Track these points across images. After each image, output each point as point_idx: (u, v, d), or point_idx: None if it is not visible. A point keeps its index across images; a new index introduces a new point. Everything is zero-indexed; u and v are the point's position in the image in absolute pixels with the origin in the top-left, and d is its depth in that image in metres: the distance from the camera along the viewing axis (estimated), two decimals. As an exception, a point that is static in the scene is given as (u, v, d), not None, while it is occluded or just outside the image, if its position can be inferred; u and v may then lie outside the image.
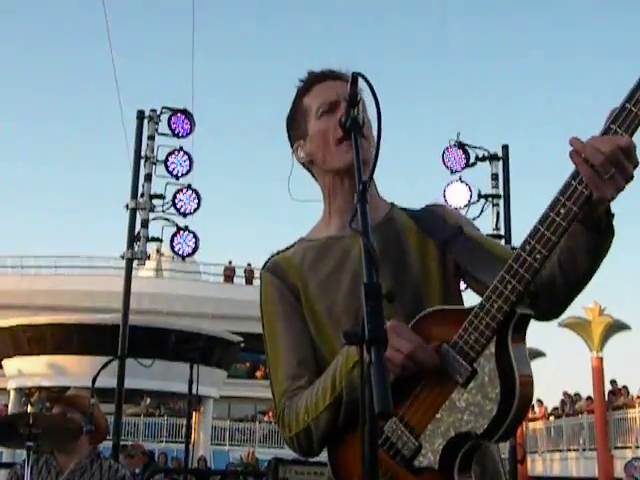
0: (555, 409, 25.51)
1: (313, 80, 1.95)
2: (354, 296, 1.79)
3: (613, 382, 22.81)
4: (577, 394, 24.59)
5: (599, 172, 1.46)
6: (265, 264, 1.96)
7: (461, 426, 1.58)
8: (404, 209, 1.98)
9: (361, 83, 1.58)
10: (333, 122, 1.82)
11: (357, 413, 1.61)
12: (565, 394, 25.17)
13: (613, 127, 1.48)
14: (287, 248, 1.98)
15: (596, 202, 1.51)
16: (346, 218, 1.86)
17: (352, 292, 1.81)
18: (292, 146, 2.00)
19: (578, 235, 1.57)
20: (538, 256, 1.52)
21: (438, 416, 1.62)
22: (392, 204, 1.99)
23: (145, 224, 7.81)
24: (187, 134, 8.05)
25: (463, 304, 1.86)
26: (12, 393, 23.97)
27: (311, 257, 1.91)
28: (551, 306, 1.73)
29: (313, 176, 2.00)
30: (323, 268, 1.89)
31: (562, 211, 1.50)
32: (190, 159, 7.98)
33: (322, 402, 1.70)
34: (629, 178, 1.49)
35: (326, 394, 1.69)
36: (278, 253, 1.98)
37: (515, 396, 1.52)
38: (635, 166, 1.49)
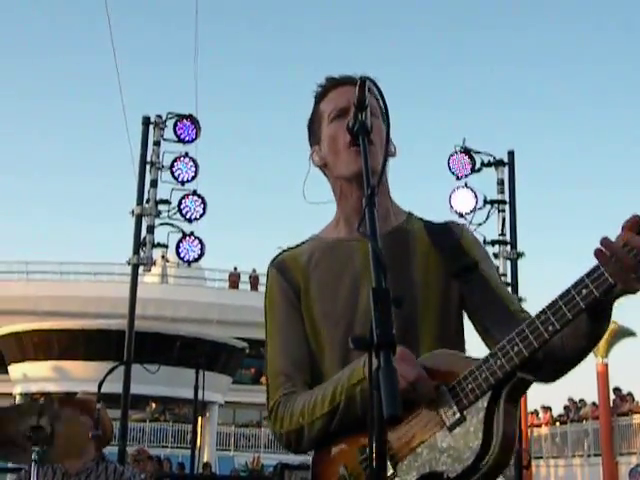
0: (560, 415, 25.43)
1: (329, 86, 1.98)
2: (349, 303, 1.85)
3: (616, 390, 22.72)
4: (582, 400, 24.51)
5: (628, 271, 1.49)
6: (273, 259, 1.99)
7: (437, 465, 1.62)
8: (421, 220, 1.99)
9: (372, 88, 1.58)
10: (342, 127, 1.83)
11: (350, 424, 1.69)
12: (570, 400, 25.09)
13: None
14: (298, 245, 2.01)
15: (619, 292, 1.54)
16: (354, 223, 1.89)
17: (348, 299, 1.85)
18: (310, 149, 2.04)
19: (582, 320, 1.60)
20: (550, 328, 1.56)
21: (419, 450, 1.66)
22: (409, 214, 2.00)
23: (151, 230, 7.83)
24: (193, 140, 8.07)
25: (462, 335, 1.90)
26: (18, 398, 23.99)
27: (317, 257, 1.94)
28: (547, 373, 1.77)
29: (328, 178, 2.02)
30: (325, 270, 1.91)
31: (584, 292, 1.52)
32: (196, 165, 7.99)
33: (320, 409, 1.74)
34: None
35: (325, 402, 1.73)
36: (288, 249, 2.00)
37: (492, 454, 1.58)
38: None
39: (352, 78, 1.92)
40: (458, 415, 1.62)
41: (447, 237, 1.92)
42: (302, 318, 1.90)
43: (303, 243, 2.01)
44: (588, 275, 1.52)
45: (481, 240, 8.26)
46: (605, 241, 1.50)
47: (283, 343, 1.89)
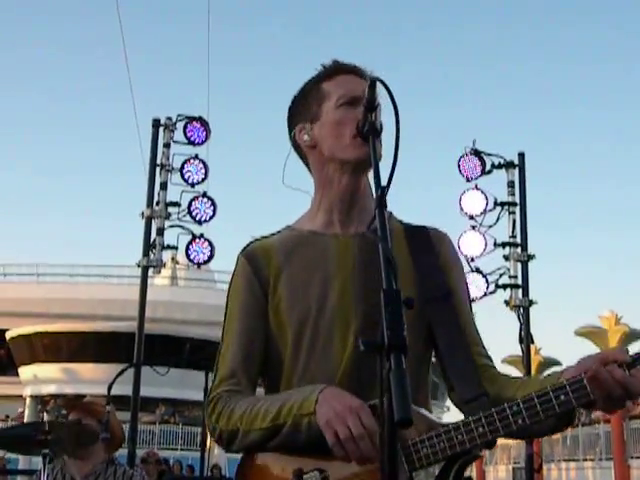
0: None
1: (338, 69, 1.89)
2: (318, 301, 1.78)
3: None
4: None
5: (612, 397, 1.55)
6: (244, 248, 1.91)
7: None
8: (401, 222, 1.94)
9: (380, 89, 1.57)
10: (353, 115, 1.78)
11: (288, 447, 1.65)
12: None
13: None
14: (272, 234, 1.93)
15: (591, 406, 1.58)
16: (333, 215, 1.85)
17: (317, 297, 1.78)
18: (291, 125, 1.94)
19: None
20: (520, 421, 1.56)
21: None
22: (390, 213, 1.93)
23: (160, 232, 7.82)
24: (203, 142, 8.06)
25: (429, 357, 1.85)
26: (28, 400, 24.10)
27: (289, 250, 1.86)
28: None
29: (306, 164, 1.95)
30: (296, 265, 1.83)
31: (562, 398, 1.55)
32: (206, 167, 7.98)
33: (259, 422, 1.69)
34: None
35: (267, 417, 1.68)
36: (261, 238, 1.93)
37: None
38: None
39: (362, 70, 1.88)
40: (407, 475, 1.60)
41: (426, 249, 1.86)
42: (265, 312, 1.83)
43: (277, 232, 1.93)
44: (570, 384, 1.55)
45: (491, 242, 8.19)
46: (598, 369, 1.54)
47: (238, 336, 1.84)
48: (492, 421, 1.57)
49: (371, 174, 1.72)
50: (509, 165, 8.40)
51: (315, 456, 1.63)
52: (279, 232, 1.93)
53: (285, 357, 1.80)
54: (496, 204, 8.32)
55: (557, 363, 28.15)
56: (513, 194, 8.36)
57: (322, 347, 1.75)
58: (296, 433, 1.64)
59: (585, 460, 23.85)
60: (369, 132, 1.61)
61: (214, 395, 1.79)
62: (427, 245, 1.87)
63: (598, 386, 1.53)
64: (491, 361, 1.85)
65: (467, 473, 1.65)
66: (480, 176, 8.35)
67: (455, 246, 1.98)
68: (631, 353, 1.55)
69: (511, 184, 8.38)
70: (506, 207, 8.33)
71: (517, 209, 8.31)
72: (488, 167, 8.38)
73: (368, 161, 1.72)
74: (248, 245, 1.91)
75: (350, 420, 1.54)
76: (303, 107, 1.91)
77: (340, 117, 1.82)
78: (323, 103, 1.86)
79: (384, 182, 1.49)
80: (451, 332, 1.77)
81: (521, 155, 8.44)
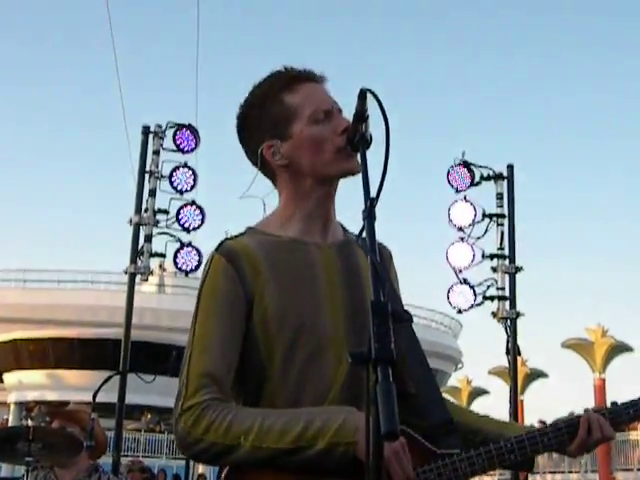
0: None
1: (295, 78, 1.83)
2: (311, 312, 1.71)
3: (614, 404, 22.70)
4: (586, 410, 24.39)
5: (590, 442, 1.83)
6: (220, 245, 1.77)
7: None
8: (353, 235, 1.89)
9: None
10: (330, 129, 1.76)
11: (308, 468, 1.56)
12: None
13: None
14: (240, 234, 1.82)
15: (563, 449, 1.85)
16: (313, 225, 1.81)
17: (310, 308, 1.71)
18: (250, 138, 1.88)
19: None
20: (512, 458, 1.73)
21: None
22: (341, 224, 1.91)
23: (148, 239, 7.80)
24: (192, 149, 8.05)
25: None
26: (12, 407, 23.94)
27: (275, 257, 1.76)
28: None
29: (270, 177, 1.88)
30: (284, 273, 1.74)
31: (545, 441, 1.78)
32: (195, 174, 7.98)
33: (275, 440, 1.56)
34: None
35: (285, 436, 1.56)
36: (233, 238, 1.80)
37: None
38: None
39: (317, 74, 1.86)
40: None
41: (383, 267, 1.78)
42: (244, 319, 1.70)
43: (242, 234, 1.82)
44: (553, 431, 1.79)
45: (480, 254, 8.21)
46: (595, 417, 1.86)
47: (219, 340, 1.67)
48: (490, 456, 1.71)
49: (358, 184, 1.66)
50: (498, 177, 8.42)
51: (315, 478, 1.58)
52: (243, 234, 1.82)
53: (271, 371, 1.69)
54: (485, 216, 8.34)
55: (543, 375, 28.19)
56: (502, 206, 8.38)
57: (316, 362, 1.70)
58: (326, 459, 1.55)
59: (571, 472, 23.89)
60: (359, 143, 1.60)
61: (196, 402, 1.61)
62: (383, 260, 1.84)
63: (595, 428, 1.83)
64: None
65: None
66: (469, 187, 8.37)
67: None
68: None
69: (500, 196, 8.40)
70: (494, 219, 8.34)
71: (505, 221, 8.33)
72: (477, 179, 8.40)
73: (351, 173, 1.75)
74: (224, 243, 1.77)
75: (404, 461, 1.57)
76: (265, 122, 1.82)
77: (317, 134, 1.77)
78: (293, 120, 1.79)
79: (373, 193, 1.48)
80: (417, 356, 1.80)
81: (510, 167, 8.47)
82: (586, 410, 1.85)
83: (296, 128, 1.78)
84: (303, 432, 1.56)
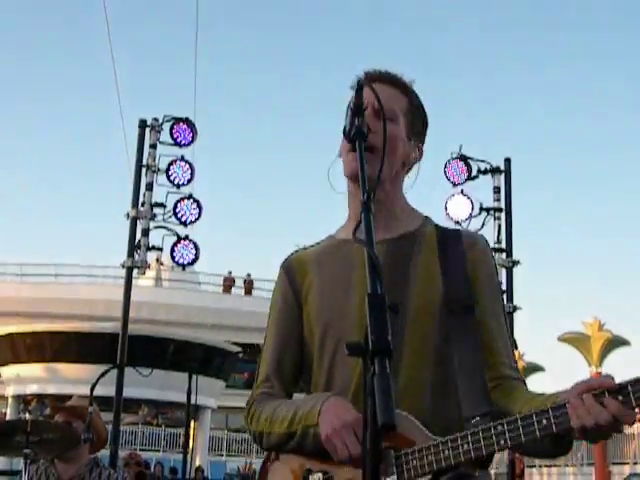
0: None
1: (361, 83, 1.87)
2: (341, 307, 1.83)
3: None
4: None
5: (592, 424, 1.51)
6: (285, 259, 2.01)
7: None
8: (436, 227, 1.95)
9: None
10: None
11: (300, 449, 1.74)
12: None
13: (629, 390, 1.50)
14: (313, 245, 2.01)
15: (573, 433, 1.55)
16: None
17: (340, 303, 1.84)
18: None
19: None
20: (502, 442, 1.56)
21: None
22: (425, 218, 1.97)
23: (146, 233, 7.81)
24: (189, 143, 8.05)
25: (445, 359, 1.80)
26: (10, 400, 23.93)
27: (323, 258, 1.94)
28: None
29: None
30: (326, 272, 1.91)
31: (544, 422, 1.53)
32: (192, 168, 7.98)
33: (278, 427, 1.80)
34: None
35: (283, 423, 1.79)
36: (301, 249, 2.01)
37: None
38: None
39: (376, 75, 1.91)
40: None
41: (456, 256, 1.86)
42: (299, 321, 1.92)
43: (318, 243, 2.01)
44: (554, 409, 1.54)
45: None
46: (575, 400, 1.52)
47: (273, 343, 1.94)
48: (476, 439, 1.58)
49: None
50: (495, 170, 8.44)
51: (323, 459, 1.71)
52: (319, 243, 2.01)
53: (313, 363, 1.88)
54: (482, 209, 8.36)
55: (540, 369, 28.26)
56: (499, 200, 8.40)
57: (342, 354, 1.75)
58: (305, 441, 1.73)
59: (567, 465, 23.95)
60: (356, 136, 1.60)
61: (250, 399, 1.92)
62: (457, 251, 1.87)
63: (582, 414, 1.51)
64: (516, 372, 1.85)
65: None
66: (466, 181, 8.38)
67: (490, 249, 1.96)
68: (621, 381, 1.51)
69: (497, 189, 8.42)
70: (492, 212, 8.36)
71: (502, 214, 8.34)
72: (474, 172, 8.42)
73: (355, 174, 1.73)
74: (289, 256, 2.00)
75: (347, 439, 1.62)
76: None
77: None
78: None
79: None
80: (465, 348, 1.77)
81: (507, 161, 8.49)
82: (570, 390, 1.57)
83: None
84: (292, 418, 1.76)
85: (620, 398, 1.49)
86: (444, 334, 1.78)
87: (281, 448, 1.81)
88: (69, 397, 4.48)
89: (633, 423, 1.53)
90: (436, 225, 1.96)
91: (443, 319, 1.79)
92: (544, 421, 1.53)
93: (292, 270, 1.96)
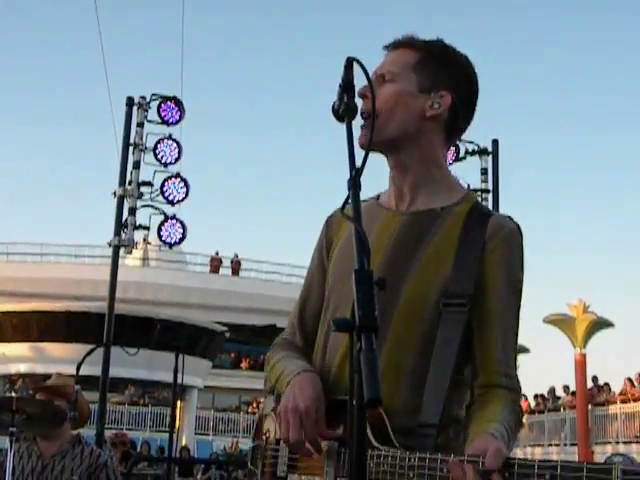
0: (537, 404, 25.65)
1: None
2: (349, 271, 1.71)
3: (594, 379, 22.96)
4: (566, 386, 24.59)
5: None
6: (332, 213, 1.98)
7: None
8: (473, 206, 1.79)
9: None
10: (362, 106, 1.75)
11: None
12: (550, 391, 25.28)
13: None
14: (364, 200, 1.85)
15: None
16: (391, 192, 1.86)
17: (350, 266, 1.72)
18: None
19: None
20: (411, 475, 1.45)
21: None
22: (466, 194, 1.84)
23: (132, 212, 7.78)
24: (177, 122, 8.02)
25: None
26: (-4, 379, 23.90)
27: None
28: None
29: None
30: (349, 232, 1.76)
31: (440, 470, 1.41)
32: (179, 147, 7.95)
33: (269, 380, 1.86)
34: None
35: (272, 379, 1.84)
36: (365, 200, 1.89)
37: None
38: None
39: (389, 44, 1.87)
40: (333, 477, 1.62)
41: (475, 242, 1.72)
42: (325, 272, 1.92)
43: (371, 198, 1.94)
44: (442, 461, 1.41)
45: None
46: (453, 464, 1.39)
47: (302, 292, 1.98)
48: (393, 464, 1.48)
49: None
50: (483, 152, 8.44)
51: None
52: (369, 198, 1.95)
53: (322, 319, 1.88)
54: (469, 190, 8.38)
55: (525, 350, 28.40)
56: (486, 181, 8.42)
57: (339, 315, 1.76)
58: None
59: (550, 445, 24.20)
60: (345, 113, 1.59)
61: (273, 343, 1.97)
62: (477, 239, 1.73)
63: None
64: (509, 380, 1.70)
65: None
66: (454, 162, 8.39)
67: (516, 240, 1.76)
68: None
69: (484, 171, 8.43)
70: (479, 194, 8.38)
71: (490, 196, 8.37)
72: (462, 154, 8.42)
73: (361, 147, 1.74)
74: (334, 211, 1.98)
75: (291, 423, 1.62)
76: None
77: None
78: None
79: (359, 163, 1.48)
80: (445, 348, 1.66)
81: (495, 142, 8.49)
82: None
83: None
84: (278, 377, 1.79)
85: (506, 475, 1.33)
86: (433, 326, 1.68)
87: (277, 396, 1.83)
88: (49, 376, 4.46)
89: None
90: (475, 203, 1.80)
91: (436, 310, 1.68)
92: (440, 470, 1.41)
93: (331, 223, 1.95)
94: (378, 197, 1.93)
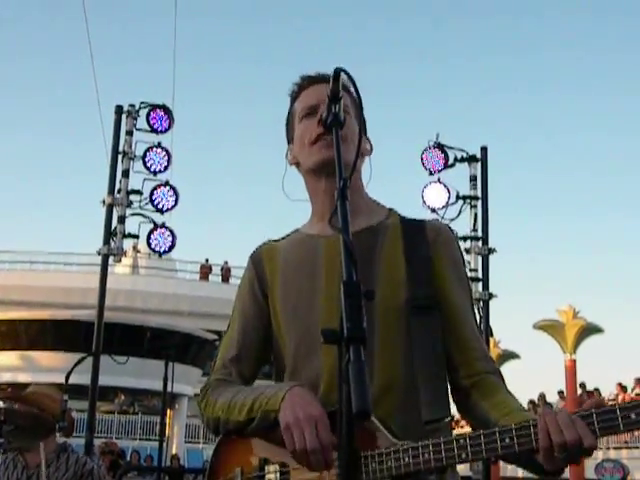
0: (528, 410, 25.65)
1: (302, 85, 1.96)
2: (307, 298, 1.82)
3: (582, 385, 22.98)
4: (561, 392, 24.58)
5: (553, 447, 1.47)
6: (253, 251, 2.00)
7: None
8: (400, 218, 1.92)
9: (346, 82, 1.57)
10: (310, 124, 1.84)
11: (261, 432, 1.72)
12: (540, 397, 25.29)
13: (593, 420, 1.47)
14: (283, 237, 2.00)
15: (536, 456, 1.52)
16: (324, 218, 1.86)
17: (306, 294, 1.83)
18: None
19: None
20: (464, 456, 1.53)
21: None
22: (389, 211, 1.95)
23: (122, 220, 7.76)
24: (166, 130, 8.01)
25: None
26: (-16, 388, 23.72)
27: (288, 252, 1.93)
28: None
29: (303, 177, 2.00)
30: (290, 265, 1.90)
31: (506, 441, 1.50)
32: (168, 155, 7.94)
33: (236, 414, 1.77)
34: (575, 462, 1.52)
35: (243, 410, 1.75)
36: (270, 242, 2.01)
37: None
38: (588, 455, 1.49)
39: (324, 76, 1.88)
40: None
41: (420, 249, 1.83)
42: (263, 310, 1.92)
43: (288, 235, 2.00)
44: (517, 429, 1.50)
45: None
46: (547, 414, 1.48)
47: (234, 331, 1.94)
48: (437, 450, 1.54)
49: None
50: (472, 159, 8.46)
51: (281, 448, 1.66)
52: (288, 235, 2.00)
53: (284, 350, 1.86)
54: (458, 197, 8.39)
55: (516, 356, 28.45)
56: (475, 188, 8.43)
57: (310, 344, 1.78)
58: (263, 424, 1.70)
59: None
60: (332, 123, 1.60)
61: (206, 384, 1.90)
62: (422, 244, 1.85)
63: (553, 429, 1.47)
64: (490, 363, 1.83)
65: None
66: (443, 169, 8.41)
67: (455, 240, 1.93)
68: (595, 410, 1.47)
69: (473, 178, 8.45)
70: (468, 201, 8.39)
71: (479, 203, 8.38)
72: (451, 161, 8.44)
73: (323, 163, 1.80)
74: (258, 247, 2.00)
75: (307, 431, 1.58)
76: (287, 130, 2.02)
77: (302, 130, 1.91)
78: (294, 122, 1.96)
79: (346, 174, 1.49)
80: (427, 348, 1.74)
81: (484, 149, 8.51)
82: (546, 405, 1.56)
83: (295, 128, 1.96)
84: (252, 405, 1.73)
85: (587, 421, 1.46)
86: (409, 330, 1.76)
87: (239, 434, 1.79)
88: (29, 385, 4.42)
89: (590, 453, 1.49)
90: (401, 217, 1.93)
91: (408, 315, 1.76)
92: (507, 440, 1.49)
93: (260, 260, 1.96)
94: (297, 231, 2.00)
